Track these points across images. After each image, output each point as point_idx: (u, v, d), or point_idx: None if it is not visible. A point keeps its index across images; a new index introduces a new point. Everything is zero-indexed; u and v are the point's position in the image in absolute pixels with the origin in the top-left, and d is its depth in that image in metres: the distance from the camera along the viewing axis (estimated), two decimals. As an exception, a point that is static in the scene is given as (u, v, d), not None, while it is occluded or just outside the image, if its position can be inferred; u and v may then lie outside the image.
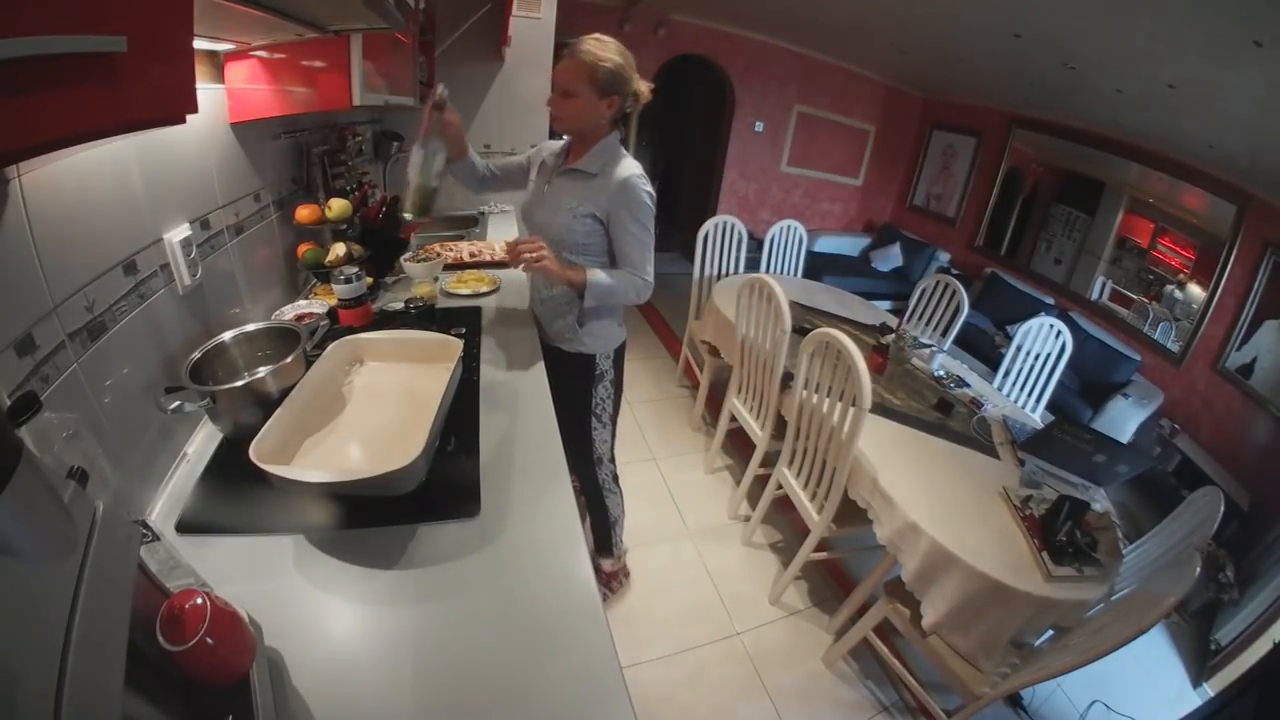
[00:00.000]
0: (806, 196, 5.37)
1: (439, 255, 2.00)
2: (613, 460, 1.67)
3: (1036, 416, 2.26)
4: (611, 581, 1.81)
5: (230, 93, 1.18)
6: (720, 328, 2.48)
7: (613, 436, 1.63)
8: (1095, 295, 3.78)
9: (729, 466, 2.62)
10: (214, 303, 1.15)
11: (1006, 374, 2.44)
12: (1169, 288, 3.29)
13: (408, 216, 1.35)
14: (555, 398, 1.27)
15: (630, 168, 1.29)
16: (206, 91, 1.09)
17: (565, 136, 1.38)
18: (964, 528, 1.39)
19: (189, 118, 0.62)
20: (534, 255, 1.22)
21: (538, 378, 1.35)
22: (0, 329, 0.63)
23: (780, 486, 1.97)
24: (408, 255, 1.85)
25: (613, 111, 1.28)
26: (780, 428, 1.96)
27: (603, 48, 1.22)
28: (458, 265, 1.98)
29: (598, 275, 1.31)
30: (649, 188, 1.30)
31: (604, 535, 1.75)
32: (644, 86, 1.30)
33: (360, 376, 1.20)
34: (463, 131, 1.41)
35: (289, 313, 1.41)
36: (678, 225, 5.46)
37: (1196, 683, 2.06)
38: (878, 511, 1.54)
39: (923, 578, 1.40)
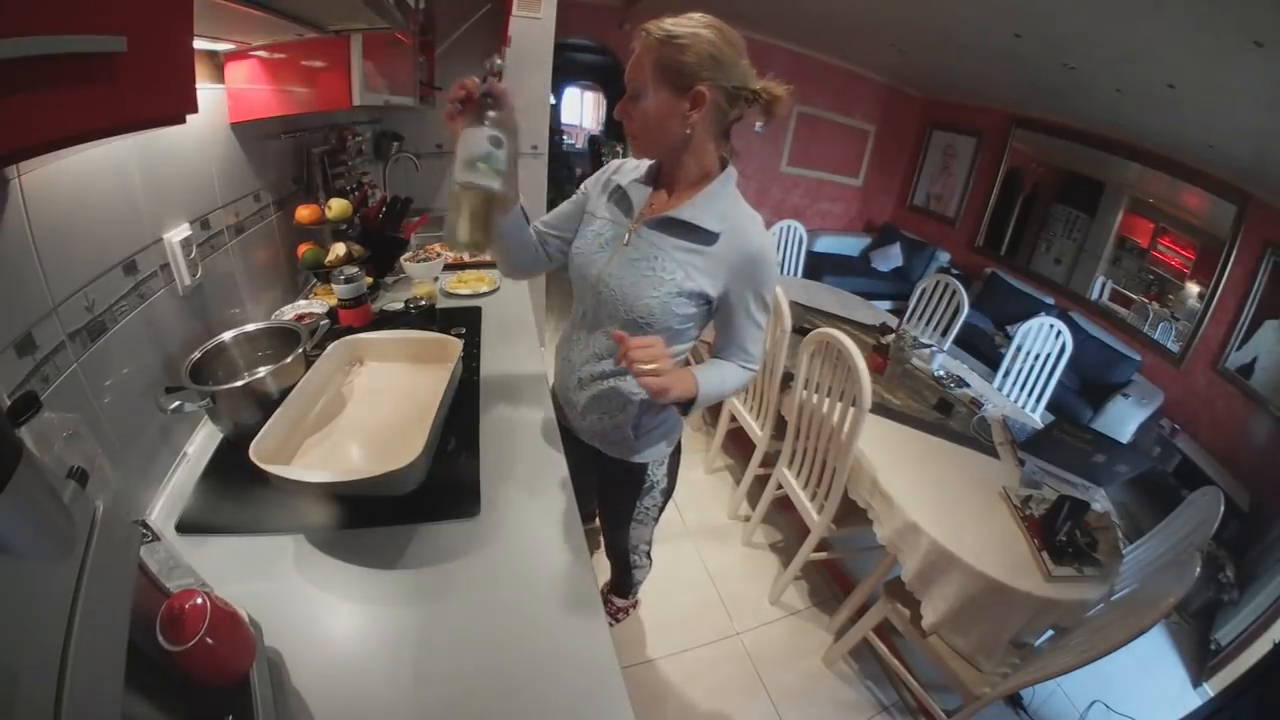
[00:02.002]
0: (806, 196, 5.37)
1: (439, 255, 2.01)
2: (649, 541, 1.42)
3: (1036, 416, 2.26)
4: (619, 613, 1.77)
5: (230, 93, 1.18)
6: (720, 328, 2.47)
7: (654, 526, 1.36)
8: (1095, 295, 3.78)
9: (729, 466, 2.62)
10: (214, 303, 1.15)
11: (1006, 374, 2.44)
12: (1181, 293, 3.26)
13: (458, 248, 0.93)
14: (586, 486, 1.03)
15: (762, 230, 0.93)
16: (206, 91, 1.09)
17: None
18: (964, 528, 1.39)
19: (189, 118, 0.62)
20: (649, 367, 0.81)
21: (538, 378, 1.35)
22: (0, 329, 0.63)
23: (780, 486, 1.97)
24: (408, 255, 1.85)
25: (707, 117, 0.87)
26: (780, 428, 1.96)
27: (676, 21, 0.84)
28: (458, 265, 1.98)
29: (709, 384, 0.94)
30: (777, 257, 0.97)
31: (624, 584, 1.61)
32: (778, 87, 0.88)
33: (360, 376, 1.20)
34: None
35: (289, 313, 1.41)
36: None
37: (1196, 683, 2.06)
38: (878, 511, 1.54)
39: (923, 578, 1.39)
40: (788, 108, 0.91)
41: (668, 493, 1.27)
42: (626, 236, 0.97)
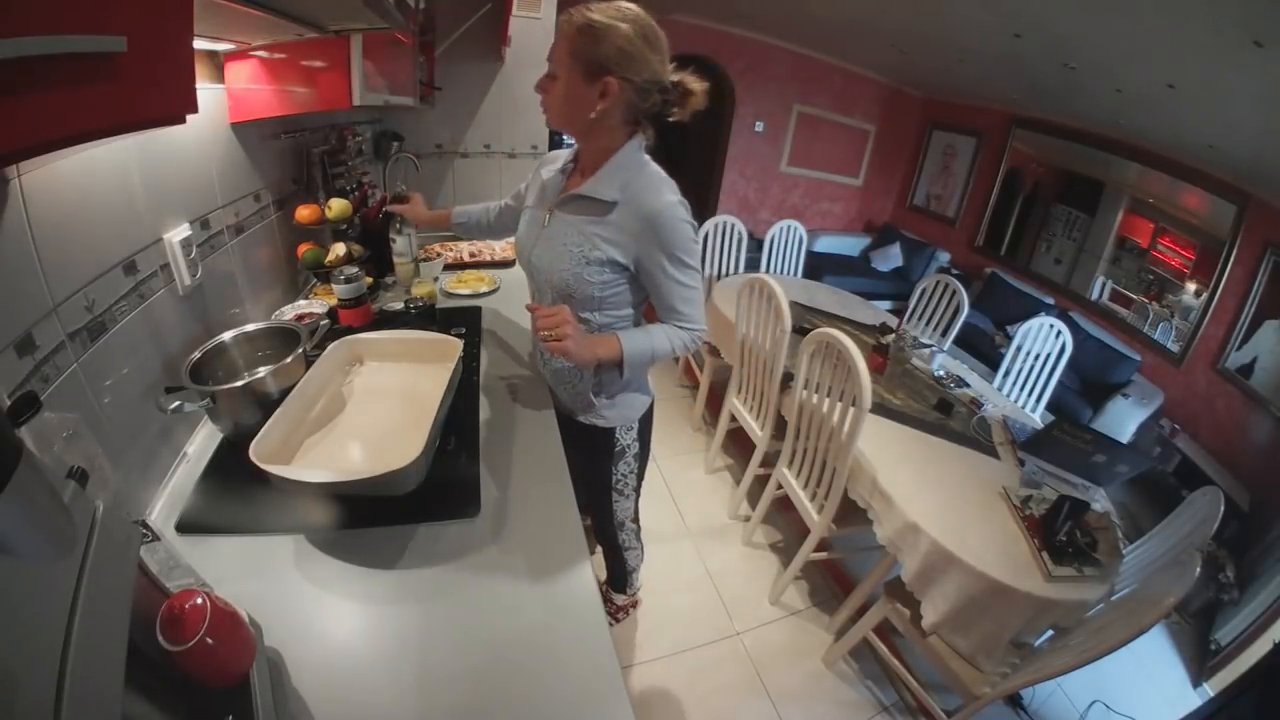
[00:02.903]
0: (806, 196, 5.37)
1: (439, 255, 2.01)
2: (635, 520, 1.49)
3: (1036, 416, 2.26)
4: (619, 613, 1.77)
5: (230, 93, 1.18)
6: (720, 328, 2.47)
7: (637, 500, 1.44)
8: (1095, 295, 3.78)
9: (729, 466, 2.62)
10: (214, 303, 1.15)
11: (1006, 374, 2.43)
12: (1181, 296, 3.26)
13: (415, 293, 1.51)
14: (570, 465, 1.07)
15: (660, 191, 0.97)
16: (206, 91, 1.09)
17: (569, 142, 1.10)
18: (964, 528, 1.39)
19: (189, 118, 0.62)
20: (554, 334, 0.91)
21: (538, 377, 1.35)
22: (0, 329, 0.63)
23: (780, 486, 1.97)
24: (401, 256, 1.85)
25: (611, 103, 0.91)
26: (780, 428, 1.96)
27: (600, 8, 0.88)
28: (458, 265, 1.98)
29: (635, 344, 1.01)
30: (686, 215, 0.98)
31: (619, 577, 1.66)
32: (694, 83, 0.95)
33: (360, 376, 1.20)
34: (423, 206, 1.47)
35: (289, 313, 1.41)
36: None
37: (1196, 683, 2.06)
38: (878, 511, 1.54)
39: (923, 578, 1.39)
40: (702, 103, 0.97)
41: (641, 460, 1.33)
42: (545, 219, 1.07)
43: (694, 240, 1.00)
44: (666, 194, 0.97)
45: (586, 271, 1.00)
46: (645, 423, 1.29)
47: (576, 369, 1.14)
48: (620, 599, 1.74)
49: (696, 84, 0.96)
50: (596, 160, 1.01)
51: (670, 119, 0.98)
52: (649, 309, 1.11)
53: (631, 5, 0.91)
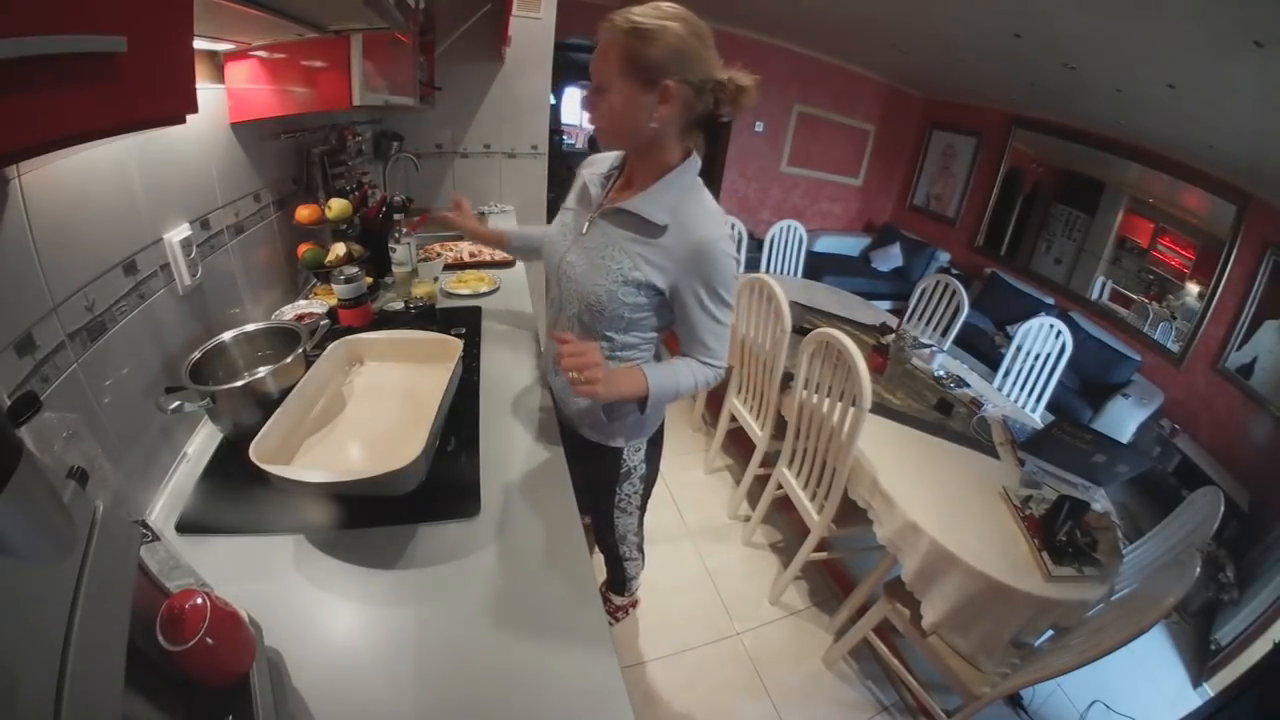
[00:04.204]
0: (806, 196, 5.37)
1: (439, 255, 2.01)
2: (638, 534, 1.46)
3: (1036, 416, 2.26)
4: (618, 613, 1.77)
5: (230, 93, 1.18)
6: (720, 328, 2.47)
7: (641, 517, 1.40)
8: (1095, 295, 3.78)
9: (729, 466, 2.62)
10: (214, 303, 1.15)
11: (1006, 374, 2.44)
12: (1182, 297, 3.26)
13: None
14: (571, 475, 1.04)
15: (712, 219, 0.93)
16: (206, 91, 1.09)
17: (615, 150, 1.05)
18: (964, 528, 1.39)
19: (189, 118, 0.62)
20: (582, 375, 0.85)
21: (538, 378, 1.35)
22: (0, 329, 0.63)
23: (780, 486, 1.97)
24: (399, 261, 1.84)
25: (673, 112, 0.86)
26: (780, 428, 1.96)
27: (642, 11, 0.83)
28: (458, 265, 1.98)
29: (661, 381, 0.97)
30: (733, 250, 0.93)
31: (618, 582, 1.63)
32: (744, 78, 0.88)
33: (360, 376, 1.20)
34: (472, 214, 1.38)
35: (289, 313, 1.41)
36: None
37: (1196, 683, 2.06)
38: (878, 511, 1.54)
39: (923, 578, 1.39)
40: (755, 98, 0.90)
41: (648, 480, 1.28)
42: (585, 226, 1.01)
43: (735, 277, 0.96)
44: (718, 226, 0.93)
45: (622, 291, 0.95)
46: (654, 443, 1.24)
47: None
48: (618, 600, 1.74)
49: (747, 79, 0.88)
50: (648, 176, 0.95)
51: (722, 119, 0.92)
52: (671, 337, 1.07)
53: (671, 4, 0.85)
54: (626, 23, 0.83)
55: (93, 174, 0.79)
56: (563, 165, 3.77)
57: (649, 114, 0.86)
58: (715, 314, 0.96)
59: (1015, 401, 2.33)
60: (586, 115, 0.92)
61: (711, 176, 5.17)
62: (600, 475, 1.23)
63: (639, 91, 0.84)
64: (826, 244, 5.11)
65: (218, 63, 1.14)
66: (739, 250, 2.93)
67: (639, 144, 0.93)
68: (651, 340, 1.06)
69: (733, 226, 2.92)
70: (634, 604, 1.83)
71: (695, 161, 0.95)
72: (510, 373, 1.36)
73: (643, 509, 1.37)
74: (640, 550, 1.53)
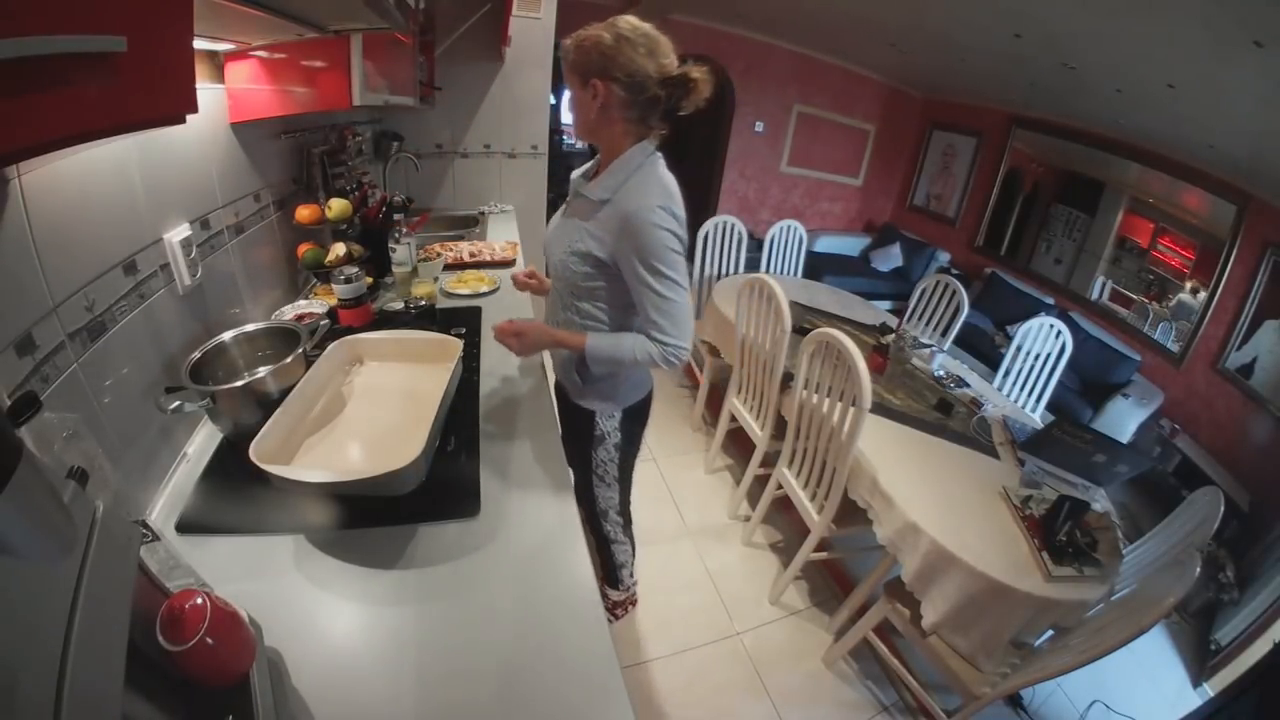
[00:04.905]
0: (806, 196, 5.37)
1: (439, 255, 2.01)
2: (621, 513, 1.49)
3: (1036, 416, 2.26)
4: (616, 609, 1.77)
5: (230, 93, 1.18)
6: (720, 328, 2.47)
7: (623, 494, 1.44)
8: (1095, 295, 3.78)
9: (729, 466, 2.62)
10: (214, 303, 1.15)
11: (1006, 374, 2.43)
12: (1180, 296, 3.26)
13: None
14: (564, 437, 1.18)
15: (645, 193, 1.00)
16: (206, 91, 1.09)
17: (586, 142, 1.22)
18: (964, 528, 1.39)
19: (189, 118, 0.62)
20: (506, 340, 1.13)
21: (538, 377, 1.35)
22: (0, 329, 0.63)
23: (780, 486, 1.96)
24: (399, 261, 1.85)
25: (603, 102, 0.99)
26: (780, 428, 1.96)
27: (592, 26, 0.98)
28: (458, 265, 1.98)
29: (597, 340, 1.09)
30: (671, 223, 0.99)
31: (610, 572, 1.64)
32: (696, 72, 0.99)
33: (360, 376, 1.20)
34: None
35: (289, 313, 1.41)
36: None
37: (1196, 683, 2.06)
38: (878, 511, 1.54)
39: (923, 578, 1.39)
40: (708, 90, 1.01)
41: (624, 452, 1.34)
42: (564, 211, 1.18)
43: (672, 250, 1.00)
44: (650, 198, 0.99)
45: (571, 260, 1.08)
46: (632, 416, 1.30)
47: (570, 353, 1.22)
48: (615, 595, 1.74)
49: (697, 71, 0.99)
50: (607, 162, 1.08)
51: (681, 112, 1.03)
52: None
53: (622, 17, 0.98)
54: (570, 40, 1.00)
55: (93, 174, 0.79)
56: (563, 165, 3.78)
57: (589, 109, 1.01)
58: (654, 286, 1.01)
59: (1015, 401, 2.33)
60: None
61: (711, 176, 5.18)
62: (577, 439, 1.31)
63: (580, 91, 1.01)
64: (826, 244, 5.11)
65: (218, 63, 1.14)
66: (740, 248, 2.94)
67: (595, 135, 1.07)
68: (620, 315, 1.13)
69: (731, 226, 2.92)
70: (633, 602, 1.83)
71: (645, 146, 1.05)
72: (510, 373, 1.36)
73: (623, 485, 1.42)
74: (626, 534, 1.56)
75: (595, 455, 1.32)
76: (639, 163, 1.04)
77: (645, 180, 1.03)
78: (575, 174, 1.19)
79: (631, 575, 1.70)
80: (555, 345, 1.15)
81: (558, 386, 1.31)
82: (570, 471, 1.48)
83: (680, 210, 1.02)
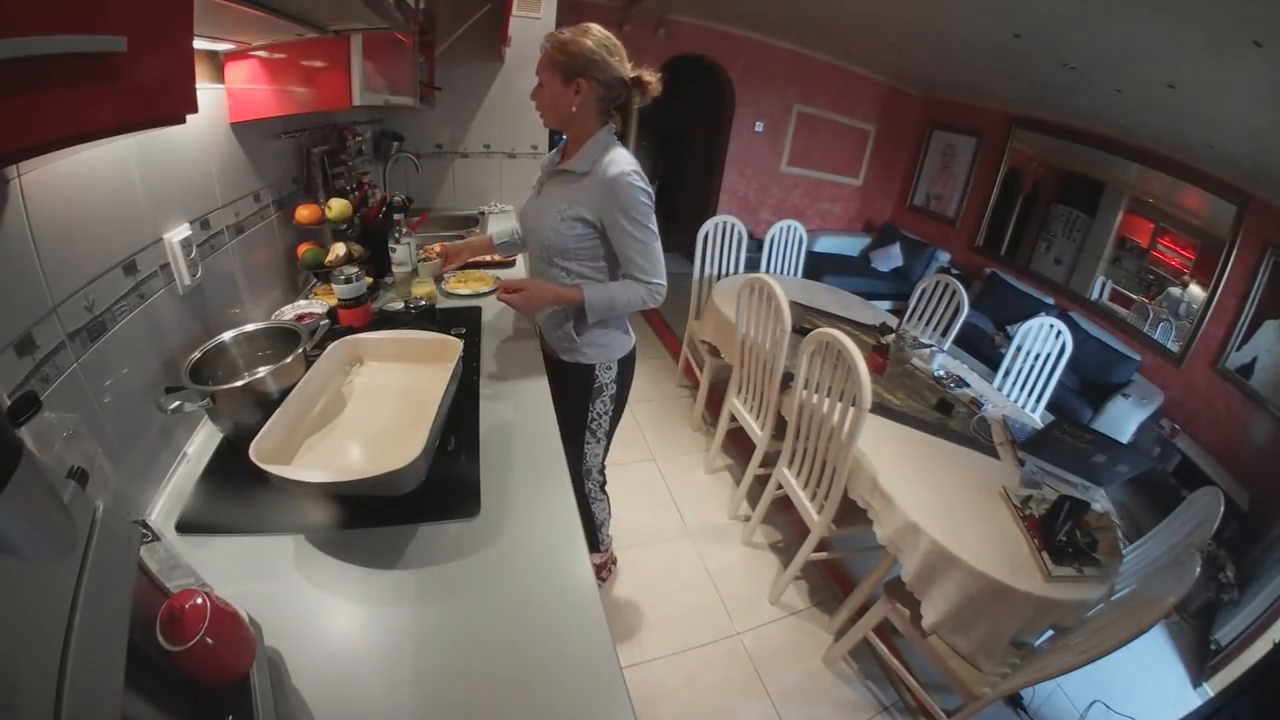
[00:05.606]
0: (806, 196, 5.37)
1: (439, 255, 2.00)
2: (602, 471, 1.63)
3: (1036, 416, 2.26)
4: (601, 571, 1.81)
5: (230, 93, 1.18)
6: (720, 328, 2.48)
7: (606, 449, 1.58)
8: (1095, 295, 3.78)
9: (729, 466, 2.62)
10: (214, 303, 1.15)
11: (1006, 374, 2.43)
12: (1175, 291, 3.26)
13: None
14: (555, 406, 1.25)
15: (620, 163, 1.21)
16: (206, 91, 1.09)
17: (564, 137, 1.35)
18: (964, 528, 1.39)
19: (189, 118, 0.62)
20: (508, 298, 1.26)
21: (538, 378, 1.35)
22: (0, 329, 0.63)
23: (780, 486, 1.97)
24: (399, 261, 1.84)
25: (584, 98, 1.19)
26: (780, 428, 1.96)
27: (570, 31, 1.17)
28: (458, 265, 1.98)
29: (595, 290, 1.26)
30: (642, 183, 1.21)
31: (590, 534, 1.70)
32: (649, 75, 1.22)
33: (360, 376, 1.20)
34: (466, 249, 1.64)
35: (289, 313, 1.41)
36: (678, 225, 5.46)
37: (1196, 683, 2.06)
38: (878, 511, 1.54)
39: (923, 578, 1.39)
40: (658, 90, 1.24)
41: (618, 401, 1.48)
42: (539, 189, 1.38)
43: (646, 204, 1.22)
44: (625, 166, 1.21)
45: (564, 226, 1.25)
46: (625, 366, 1.45)
47: (562, 311, 1.35)
48: (595, 558, 1.77)
49: (650, 75, 1.23)
50: (578, 144, 1.27)
51: (635, 106, 1.26)
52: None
53: (595, 26, 1.19)
54: (557, 40, 1.16)
55: (93, 174, 0.79)
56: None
57: (569, 102, 1.20)
58: (635, 234, 1.22)
59: (1015, 401, 2.33)
60: (533, 103, 1.26)
61: (711, 176, 5.18)
62: (575, 394, 1.42)
63: (561, 85, 1.19)
64: (826, 244, 5.11)
65: (218, 63, 1.14)
66: (740, 248, 2.96)
67: (566, 123, 1.25)
68: (601, 269, 1.32)
69: (731, 226, 2.92)
70: (613, 561, 1.90)
71: (610, 128, 1.27)
72: (510, 372, 1.36)
73: (609, 437, 1.55)
74: (604, 492, 1.69)
75: (593, 408, 1.45)
76: (606, 142, 1.25)
77: (616, 154, 1.23)
78: (545, 160, 1.39)
79: (609, 532, 1.78)
80: (555, 301, 1.29)
81: (549, 356, 1.42)
82: (569, 471, 1.52)
83: (644, 174, 1.24)
